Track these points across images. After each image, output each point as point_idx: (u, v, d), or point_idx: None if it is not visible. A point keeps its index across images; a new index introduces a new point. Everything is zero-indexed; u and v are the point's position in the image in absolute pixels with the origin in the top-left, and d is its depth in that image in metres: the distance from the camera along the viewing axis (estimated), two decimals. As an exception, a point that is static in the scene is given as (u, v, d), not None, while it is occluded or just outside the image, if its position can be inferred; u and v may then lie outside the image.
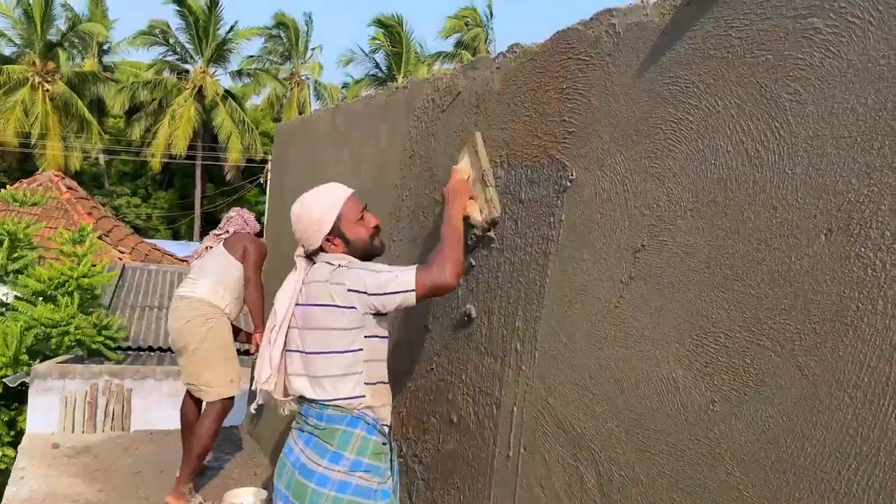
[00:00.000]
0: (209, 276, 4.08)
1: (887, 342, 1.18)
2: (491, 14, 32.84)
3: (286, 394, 2.35)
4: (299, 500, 2.16)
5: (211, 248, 4.28)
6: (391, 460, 2.24)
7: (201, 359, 3.98)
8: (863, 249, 1.22)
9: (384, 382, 2.28)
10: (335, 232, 2.27)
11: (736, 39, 1.49)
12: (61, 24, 31.74)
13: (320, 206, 2.28)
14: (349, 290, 2.13)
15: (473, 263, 2.41)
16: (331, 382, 2.18)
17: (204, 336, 3.96)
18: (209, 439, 3.99)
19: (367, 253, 2.33)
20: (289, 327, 2.29)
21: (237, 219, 4.34)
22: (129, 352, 10.00)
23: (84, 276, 8.89)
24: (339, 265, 2.21)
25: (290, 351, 2.28)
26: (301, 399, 2.28)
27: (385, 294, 2.10)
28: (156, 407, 6.50)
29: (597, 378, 1.81)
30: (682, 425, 1.55)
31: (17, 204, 10.97)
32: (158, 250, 18.48)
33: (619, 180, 1.78)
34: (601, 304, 1.81)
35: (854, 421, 1.22)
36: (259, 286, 4.14)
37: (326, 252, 2.29)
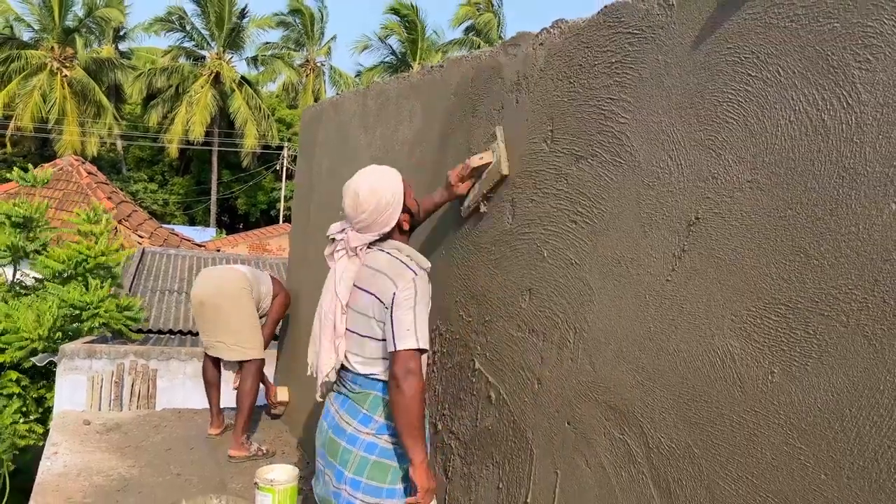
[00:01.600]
0: (249, 271, 4.56)
1: (962, 310, 1.17)
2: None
3: None
4: (332, 457, 2.32)
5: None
6: (431, 434, 2.33)
7: (238, 318, 4.35)
8: (937, 218, 1.21)
9: None
10: (404, 208, 2.41)
11: (801, 8, 1.46)
12: (78, 9, 31.80)
13: (390, 187, 2.37)
14: (392, 294, 2.20)
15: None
16: (368, 362, 2.31)
17: (240, 298, 4.35)
18: (253, 395, 4.40)
19: (416, 222, 2.58)
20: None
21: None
22: (151, 334, 10.08)
23: (102, 255, 8.93)
24: (405, 263, 2.28)
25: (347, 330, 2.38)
26: (341, 367, 2.39)
27: (391, 327, 2.17)
28: (180, 387, 6.57)
29: (646, 351, 1.80)
30: (738, 397, 1.54)
31: (27, 184, 10.92)
32: (176, 235, 18.61)
33: (672, 153, 1.76)
34: (652, 277, 1.80)
35: (925, 389, 1.21)
36: (275, 326, 4.66)
37: (394, 233, 2.40)
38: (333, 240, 2.46)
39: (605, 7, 2.03)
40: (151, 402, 6.47)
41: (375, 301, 2.24)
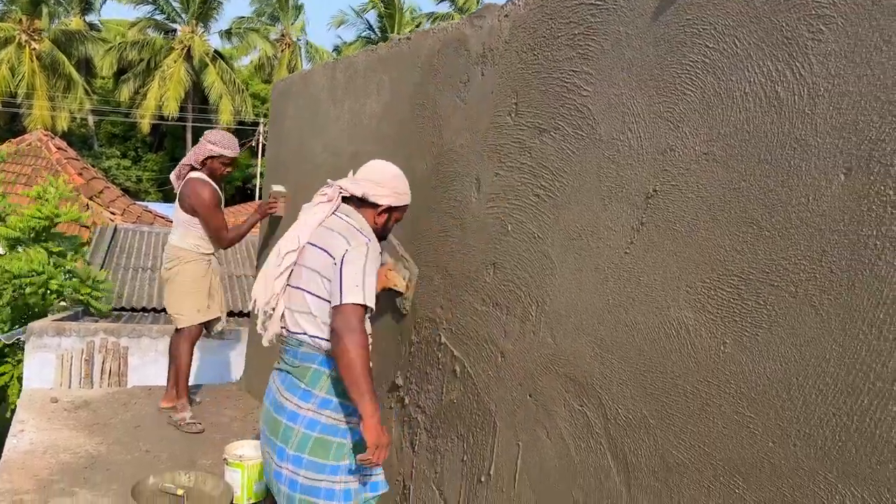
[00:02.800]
0: (178, 226, 4.48)
1: (905, 279, 1.19)
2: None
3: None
4: (274, 436, 2.26)
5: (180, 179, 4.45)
6: None
7: (173, 291, 4.47)
8: (882, 188, 1.23)
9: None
10: (388, 211, 2.41)
11: (756, -21, 1.47)
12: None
13: (405, 188, 2.46)
14: (344, 251, 2.17)
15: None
16: (308, 320, 2.24)
17: (176, 273, 4.43)
18: (186, 357, 4.51)
19: (379, 238, 2.44)
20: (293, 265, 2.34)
21: (199, 150, 4.35)
22: (124, 312, 9.95)
23: (56, 216, 8.55)
24: (363, 233, 2.27)
25: (292, 286, 2.33)
26: (281, 338, 2.36)
27: (339, 281, 2.13)
28: (152, 364, 6.52)
29: (605, 323, 1.82)
30: (692, 367, 1.57)
31: None
32: (150, 212, 18.33)
33: (633, 125, 1.77)
34: (611, 250, 1.82)
35: (868, 357, 1.23)
36: (222, 229, 4.38)
37: (365, 212, 2.37)
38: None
39: (569, -22, 2.02)
40: (123, 379, 6.41)
41: (327, 257, 2.20)
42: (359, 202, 2.37)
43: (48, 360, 6.52)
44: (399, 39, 3.11)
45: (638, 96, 1.75)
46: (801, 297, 1.35)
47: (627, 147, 1.78)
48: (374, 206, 2.36)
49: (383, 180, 2.39)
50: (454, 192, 2.57)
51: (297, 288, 2.28)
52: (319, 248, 2.23)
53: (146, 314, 10.12)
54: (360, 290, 2.10)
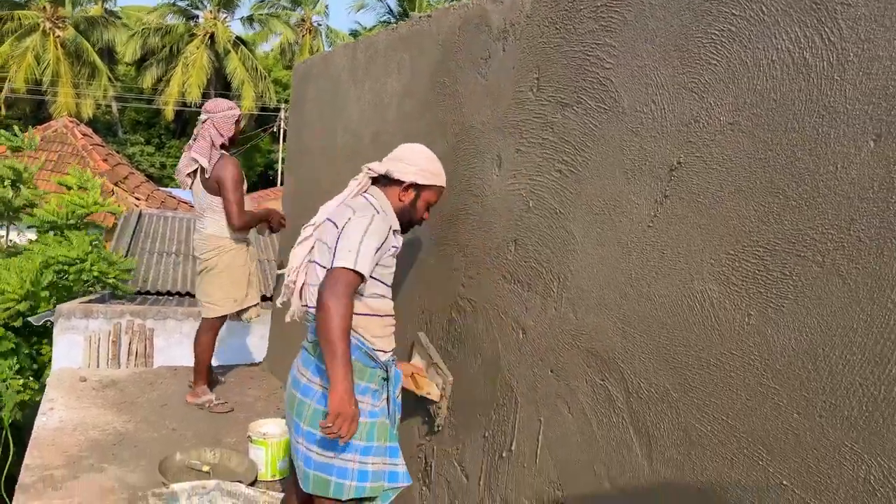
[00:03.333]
0: (208, 213, 4.32)
1: (935, 247, 1.17)
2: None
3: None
4: (291, 410, 2.25)
5: (192, 175, 4.34)
6: (387, 385, 2.24)
7: (211, 282, 4.38)
8: (914, 154, 1.20)
9: (377, 316, 2.26)
10: (416, 189, 2.32)
11: (784, -55, 1.44)
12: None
13: (436, 168, 2.35)
14: (347, 219, 2.14)
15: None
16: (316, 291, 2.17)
17: (216, 263, 4.33)
18: (209, 348, 4.50)
19: (401, 220, 2.35)
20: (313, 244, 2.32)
21: (202, 141, 4.22)
22: (149, 296, 10.04)
23: (95, 204, 8.76)
24: (374, 206, 2.23)
25: (313, 262, 2.30)
26: (305, 314, 2.34)
27: (336, 245, 2.09)
28: (177, 346, 6.59)
29: (628, 297, 1.81)
30: (715, 339, 1.55)
31: (13, 144, 10.67)
32: (174, 198, 18.46)
33: (656, 98, 1.74)
34: (634, 223, 1.80)
35: (897, 327, 1.21)
36: (243, 221, 4.23)
37: (393, 190, 2.33)
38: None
39: (591, -51, 1.99)
40: (149, 360, 6.48)
41: (333, 228, 2.17)
42: (385, 181, 2.33)
43: (76, 341, 6.61)
44: (420, 17, 3.09)
45: (661, 67, 1.73)
46: (828, 267, 1.32)
47: (651, 119, 1.75)
48: (399, 182, 2.30)
49: (410, 157, 2.33)
50: (475, 170, 2.56)
51: (313, 262, 2.26)
52: (332, 222, 2.21)
53: (171, 297, 10.21)
54: (353, 256, 2.01)
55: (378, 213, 2.19)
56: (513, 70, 2.33)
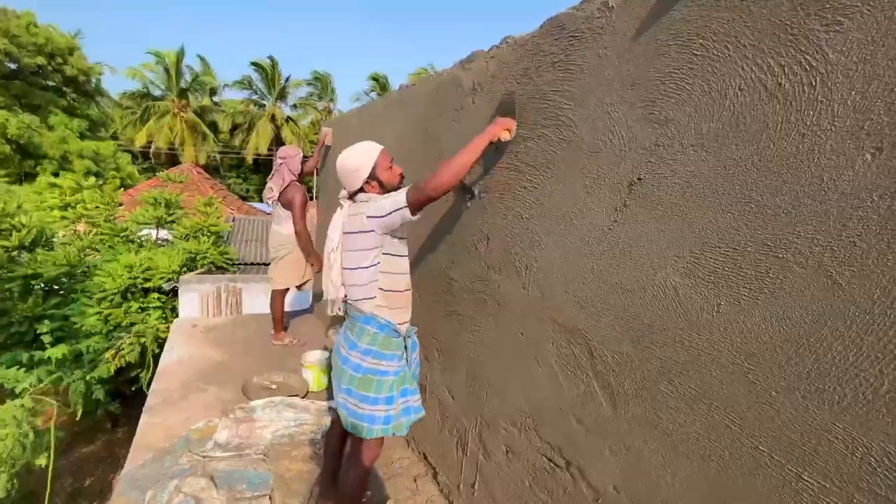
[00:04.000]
0: (284, 219, 3.59)
1: (961, 253, 0.64)
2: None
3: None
4: (335, 372, 1.63)
5: (272, 199, 3.62)
6: (406, 351, 1.61)
7: (284, 267, 3.65)
8: (929, 164, 0.67)
9: (398, 291, 1.60)
10: (372, 176, 1.59)
11: (752, -13, 0.88)
12: (187, 76, 28.64)
13: (359, 156, 1.58)
14: (368, 217, 1.50)
15: (475, 194, 1.79)
16: (357, 289, 1.57)
17: (284, 255, 3.63)
18: (281, 307, 3.79)
19: (386, 187, 1.64)
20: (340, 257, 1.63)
21: (278, 176, 3.55)
22: (240, 266, 9.19)
23: (212, 225, 8.19)
24: (367, 200, 1.57)
25: (344, 268, 1.63)
26: (345, 302, 1.67)
27: (389, 214, 1.45)
28: (257, 299, 5.78)
29: (590, 284, 1.25)
30: (681, 322, 1.02)
31: (169, 181, 10.08)
32: (254, 209, 17.19)
33: (614, 129, 1.17)
34: (595, 226, 1.24)
35: (906, 326, 0.69)
36: (304, 229, 3.52)
37: (364, 192, 1.61)
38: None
39: (548, 19, 1.39)
40: (239, 308, 5.68)
41: (358, 235, 1.53)
42: (357, 191, 1.62)
43: (194, 298, 5.74)
44: (407, 86, 2.43)
45: (619, 104, 1.16)
46: (813, 268, 0.79)
47: (610, 147, 1.19)
48: (367, 182, 1.59)
49: (344, 172, 1.60)
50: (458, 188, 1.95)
51: (345, 268, 1.59)
52: (352, 233, 1.55)
53: (254, 266, 9.40)
54: (399, 195, 1.43)
55: (373, 196, 1.56)
56: (481, 116, 1.73)
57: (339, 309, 1.69)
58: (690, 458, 0.98)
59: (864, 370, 0.73)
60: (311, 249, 3.59)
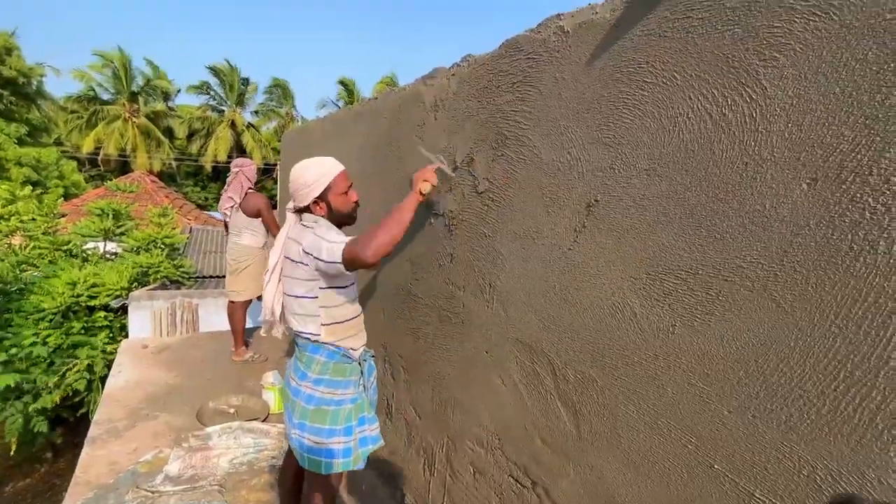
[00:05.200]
0: (245, 229, 3.46)
1: (889, 280, 0.68)
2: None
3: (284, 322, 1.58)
4: (286, 405, 1.51)
5: (231, 207, 3.48)
6: (362, 376, 1.51)
7: (243, 278, 3.50)
8: (859, 195, 0.71)
9: (345, 321, 1.48)
10: (322, 197, 1.46)
11: (697, 20, 0.91)
12: (140, 80, 27.31)
13: (316, 172, 1.46)
14: (304, 252, 1.38)
15: (440, 211, 1.78)
16: (298, 319, 1.46)
17: (244, 267, 3.49)
18: (242, 320, 3.58)
19: (342, 221, 1.51)
20: (281, 275, 1.52)
21: (236, 185, 3.42)
22: (197, 279, 8.76)
23: (166, 237, 7.73)
24: (309, 226, 1.43)
25: (284, 294, 1.52)
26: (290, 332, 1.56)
27: (325, 262, 1.34)
28: (214, 315, 5.53)
29: (551, 302, 1.26)
30: (640, 343, 1.03)
31: (118, 190, 9.55)
32: (213, 218, 16.49)
33: (572, 150, 1.19)
34: (554, 247, 1.25)
35: (843, 348, 0.72)
36: (277, 226, 3.41)
37: (311, 212, 1.49)
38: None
39: (506, 41, 1.41)
40: (196, 325, 5.40)
41: (297, 264, 1.40)
42: (304, 208, 1.50)
43: (145, 316, 5.41)
44: (370, 99, 2.40)
45: (575, 126, 1.18)
46: (758, 292, 0.82)
47: (567, 167, 1.20)
48: (315, 202, 1.47)
49: (297, 185, 1.46)
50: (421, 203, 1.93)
51: (286, 294, 1.49)
52: (295, 261, 1.43)
53: (212, 279, 8.99)
54: (336, 243, 1.31)
55: (315, 225, 1.42)
56: (444, 133, 1.72)
57: (280, 333, 1.60)
58: (651, 478, 0.99)
59: (807, 391, 0.76)
60: None
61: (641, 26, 1.00)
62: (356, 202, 1.54)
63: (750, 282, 0.83)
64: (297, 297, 1.44)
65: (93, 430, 2.53)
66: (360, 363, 1.51)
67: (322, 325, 1.43)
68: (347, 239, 1.31)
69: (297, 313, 1.46)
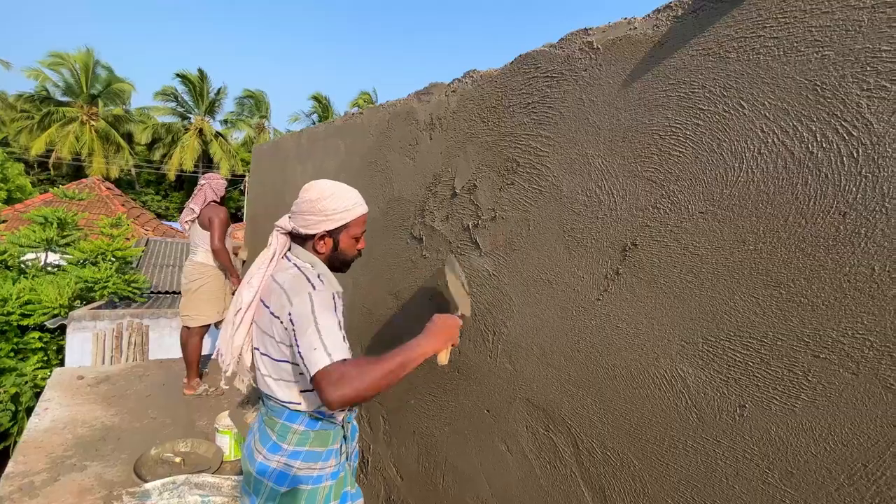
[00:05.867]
0: (201, 245, 3.11)
1: None
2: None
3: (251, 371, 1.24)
4: (247, 484, 1.19)
5: (190, 221, 3.14)
6: (345, 442, 1.23)
7: (197, 300, 3.12)
8: None
9: None
10: (333, 234, 1.19)
11: (771, 40, 0.76)
12: (99, 84, 26.01)
13: (342, 204, 1.17)
14: (288, 315, 1.07)
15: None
16: (270, 382, 1.16)
17: (201, 285, 3.11)
18: (198, 348, 3.17)
19: (337, 267, 1.23)
20: (252, 320, 1.20)
21: (199, 196, 3.12)
22: (153, 294, 8.12)
23: (118, 249, 7.12)
24: (308, 278, 1.10)
25: (253, 347, 1.21)
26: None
27: (300, 354, 1.01)
28: (167, 337, 5.05)
29: (574, 362, 1.06)
30: (693, 422, 0.84)
31: (67, 198, 8.79)
32: (173, 229, 15.61)
33: (602, 183, 1.02)
34: (579, 294, 1.06)
35: None
36: (222, 246, 3.05)
37: (311, 245, 1.20)
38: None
39: (520, 56, 1.24)
40: (146, 348, 4.89)
41: (275, 320, 1.11)
42: (299, 237, 1.21)
43: (87, 339, 4.87)
44: (353, 114, 2.19)
45: (607, 156, 1.01)
46: (866, 376, 0.66)
47: (596, 203, 1.03)
48: (322, 237, 1.18)
49: (305, 208, 1.17)
50: (403, 233, 1.72)
51: (258, 350, 1.17)
52: (268, 309, 1.14)
53: (168, 295, 8.37)
54: (323, 352, 0.97)
55: (314, 288, 1.07)
56: (440, 154, 1.53)
57: (244, 386, 1.30)
58: None
59: (943, 513, 0.59)
60: (232, 268, 3.13)
61: (696, 45, 0.85)
62: (360, 251, 1.26)
63: (853, 363, 0.66)
64: (271, 358, 1.14)
65: (2, 488, 2.10)
66: (343, 426, 1.23)
67: (302, 391, 1.15)
68: (337, 354, 0.98)
69: (270, 376, 1.16)
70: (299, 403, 1.14)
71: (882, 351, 0.64)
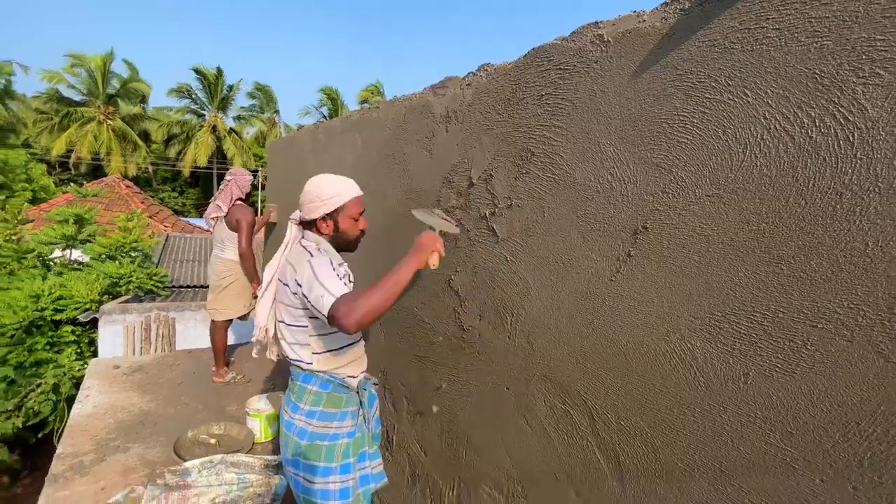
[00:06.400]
0: (228, 242, 3.22)
1: None
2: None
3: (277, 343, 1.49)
4: (281, 443, 1.39)
5: (217, 218, 3.24)
6: (362, 407, 1.41)
7: (220, 295, 3.26)
8: None
9: (341, 348, 1.39)
10: (332, 216, 1.39)
11: (773, 31, 0.81)
12: (115, 83, 26.43)
13: (333, 189, 1.39)
14: (296, 282, 1.28)
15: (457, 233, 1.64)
16: (289, 347, 1.37)
17: (228, 284, 3.24)
18: (224, 340, 3.33)
19: (343, 247, 1.45)
20: (274, 298, 1.43)
21: (226, 193, 3.22)
22: (174, 289, 8.37)
23: (134, 242, 7.35)
24: (308, 250, 1.33)
25: (277, 319, 1.42)
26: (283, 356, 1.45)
27: (312, 306, 1.23)
28: (192, 329, 5.24)
29: (589, 341, 1.13)
30: (701, 391, 0.91)
31: (81, 195, 9.07)
32: (191, 225, 15.95)
33: (613, 171, 1.07)
34: (593, 276, 1.12)
35: (978, 417, 0.61)
36: (249, 250, 3.17)
37: (316, 228, 1.42)
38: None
39: (533, 49, 1.29)
40: (172, 340, 5.09)
41: (286, 289, 1.33)
42: (309, 223, 1.44)
43: (117, 331, 5.08)
44: (369, 108, 2.26)
45: (618, 144, 1.06)
46: (860, 343, 0.71)
47: (608, 189, 1.08)
48: (323, 219, 1.40)
49: (306, 198, 1.40)
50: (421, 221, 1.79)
51: (283, 323, 1.38)
52: (283, 283, 1.36)
53: (189, 289, 8.61)
54: (329, 296, 1.17)
55: (312, 255, 1.29)
56: (457, 146, 1.59)
57: (274, 355, 1.47)
58: (717, 548, 0.87)
59: (928, 464, 0.64)
60: (256, 273, 3.26)
61: (702, 37, 0.90)
62: (363, 231, 1.45)
63: (848, 331, 0.71)
64: (287, 324, 1.35)
65: (55, 466, 2.27)
66: (358, 392, 1.37)
67: (314, 353, 1.34)
68: (339, 292, 1.18)
69: (288, 341, 1.35)
70: (311, 363, 1.30)
71: (874, 319, 0.69)
